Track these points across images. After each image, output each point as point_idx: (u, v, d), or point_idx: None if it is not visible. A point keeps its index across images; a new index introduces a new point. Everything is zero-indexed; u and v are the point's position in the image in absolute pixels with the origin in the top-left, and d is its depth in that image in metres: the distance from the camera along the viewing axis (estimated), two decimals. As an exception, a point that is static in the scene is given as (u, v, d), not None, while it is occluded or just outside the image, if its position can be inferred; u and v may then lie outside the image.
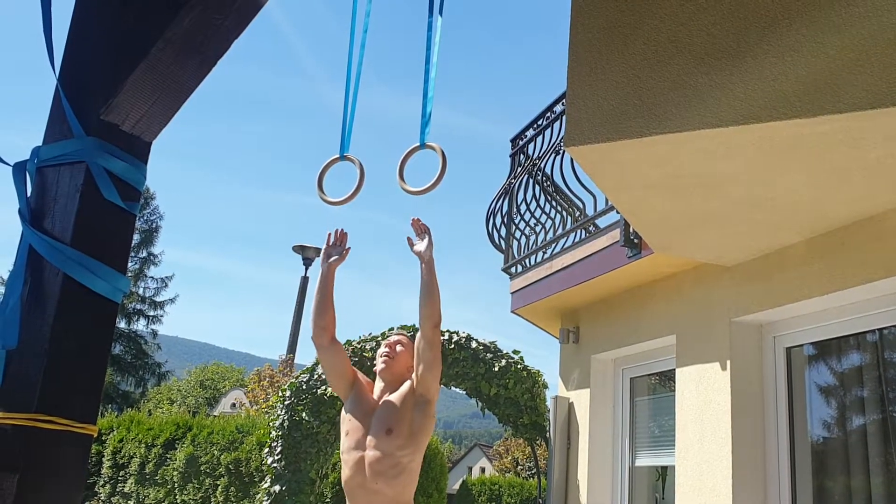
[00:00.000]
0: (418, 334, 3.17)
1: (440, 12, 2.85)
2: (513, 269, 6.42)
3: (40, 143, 2.03)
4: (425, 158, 3.14)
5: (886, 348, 3.84)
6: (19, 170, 2.00)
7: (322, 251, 3.33)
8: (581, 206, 5.55)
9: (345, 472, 3.17)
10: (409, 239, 3.21)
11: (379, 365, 3.27)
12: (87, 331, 1.86)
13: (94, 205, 1.89)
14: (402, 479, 3.08)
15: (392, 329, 3.43)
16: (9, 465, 1.73)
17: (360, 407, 3.22)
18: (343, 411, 3.30)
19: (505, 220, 6.59)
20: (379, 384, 3.30)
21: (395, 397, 3.20)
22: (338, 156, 3.02)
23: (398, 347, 3.31)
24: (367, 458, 3.09)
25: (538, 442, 7.63)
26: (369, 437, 3.13)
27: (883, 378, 3.83)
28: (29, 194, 1.98)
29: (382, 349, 3.31)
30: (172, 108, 1.99)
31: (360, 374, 3.38)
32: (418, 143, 2.92)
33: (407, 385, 3.22)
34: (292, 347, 18.39)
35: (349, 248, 3.34)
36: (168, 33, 1.83)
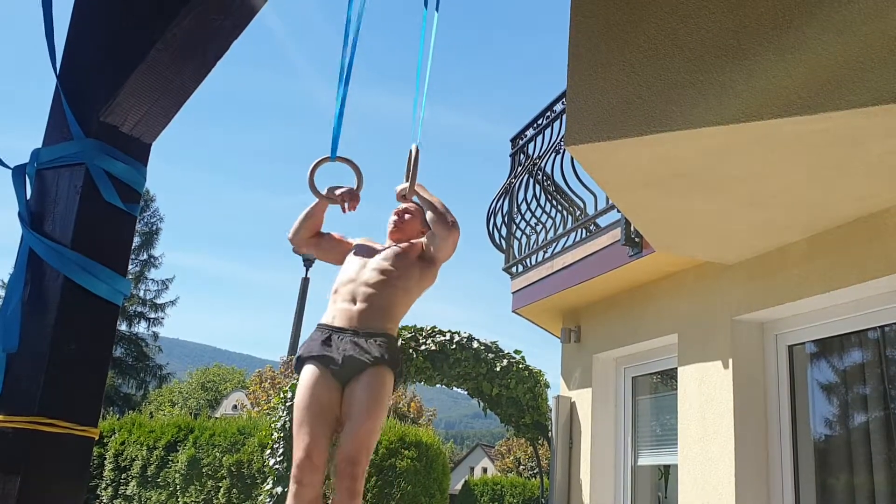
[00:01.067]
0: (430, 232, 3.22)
1: (436, 8, 2.86)
2: (514, 269, 6.42)
3: (40, 146, 2.03)
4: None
5: (888, 345, 3.84)
6: (19, 173, 1.99)
7: (329, 189, 3.25)
8: (582, 205, 5.55)
9: (330, 309, 3.12)
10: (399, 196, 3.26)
11: (389, 228, 3.32)
12: (88, 333, 1.85)
13: (94, 207, 1.89)
14: (397, 290, 3.09)
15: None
16: (11, 468, 1.72)
17: (363, 249, 3.26)
18: (344, 265, 3.28)
19: (505, 219, 6.59)
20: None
21: (401, 244, 3.25)
22: (328, 156, 3.05)
23: (406, 216, 3.32)
24: (361, 279, 3.10)
25: (540, 442, 7.62)
26: (372, 261, 3.15)
27: (885, 375, 3.83)
28: (29, 197, 1.98)
29: (392, 217, 3.32)
30: (172, 110, 1.99)
31: (365, 240, 3.40)
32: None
33: (416, 241, 3.27)
34: (293, 349, 18.39)
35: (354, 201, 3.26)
36: (167, 35, 1.83)
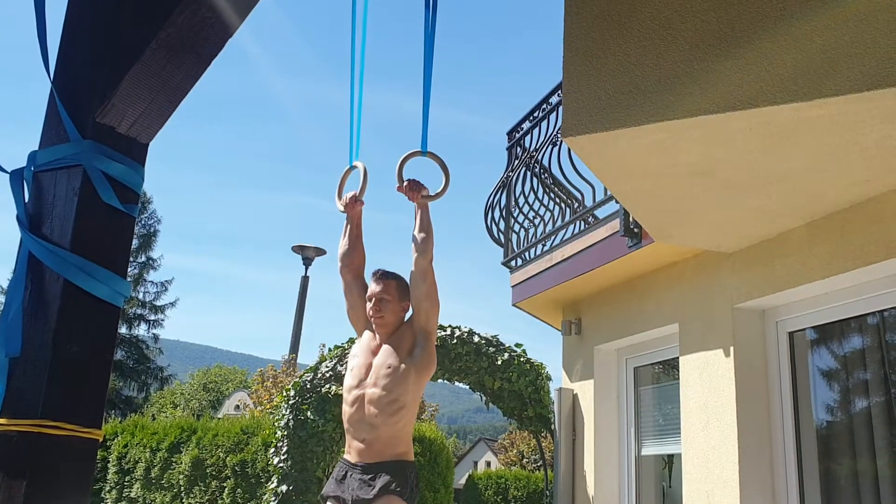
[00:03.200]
0: (411, 272, 3.25)
1: (434, 7, 2.86)
2: (513, 263, 6.42)
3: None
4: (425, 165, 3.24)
5: (888, 330, 3.84)
6: (16, 176, 1.99)
7: (341, 207, 3.43)
8: (580, 197, 5.55)
9: (345, 409, 3.25)
10: (401, 187, 3.27)
11: (373, 323, 3.33)
12: (89, 335, 1.85)
13: (93, 208, 1.88)
14: (401, 416, 3.15)
15: (375, 273, 3.37)
16: (17, 471, 1.72)
17: (366, 347, 3.32)
18: (353, 348, 3.41)
19: (503, 213, 6.59)
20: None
21: (395, 337, 3.27)
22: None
23: (384, 304, 3.30)
24: (368, 396, 3.17)
25: (543, 434, 7.64)
26: (371, 376, 3.21)
27: (885, 360, 3.84)
28: (27, 200, 1.97)
29: (369, 311, 3.31)
30: (168, 109, 1.99)
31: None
32: (420, 149, 3.04)
33: (406, 326, 3.30)
34: (295, 347, 18.40)
35: (362, 201, 3.41)
36: (162, 34, 1.83)
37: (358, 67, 3.10)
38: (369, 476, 3.10)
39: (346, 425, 3.26)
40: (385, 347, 3.26)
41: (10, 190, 1.99)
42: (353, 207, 3.40)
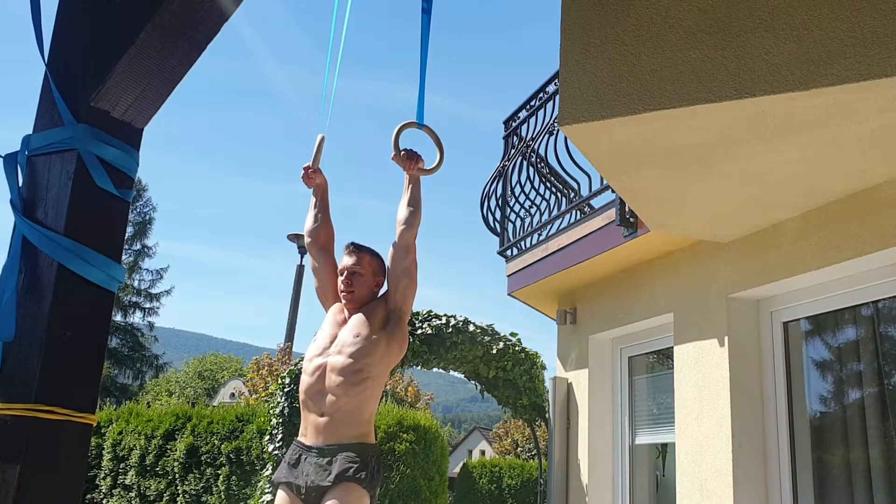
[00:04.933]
0: (393, 244, 3.09)
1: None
2: (508, 252, 6.42)
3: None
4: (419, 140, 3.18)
5: (882, 321, 3.86)
6: (10, 160, 1.98)
7: (304, 180, 3.29)
8: (576, 186, 5.55)
9: (304, 381, 3.02)
10: (397, 156, 3.13)
11: (342, 298, 3.15)
12: (83, 320, 1.85)
13: (87, 193, 1.88)
14: (365, 388, 2.92)
15: (348, 246, 3.20)
16: (10, 456, 1.73)
17: (332, 320, 3.14)
18: (314, 340, 3.19)
19: (499, 202, 6.58)
20: None
21: (366, 309, 3.09)
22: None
23: (356, 278, 3.11)
24: (331, 364, 2.96)
25: (538, 423, 7.67)
26: (335, 345, 3.01)
27: (879, 351, 3.85)
28: (20, 184, 1.96)
29: (340, 285, 3.13)
30: (163, 94, 1.98)
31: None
32: (416, 121, 2.98)
33: (379, 301, 3.13)
34: (290, 336, 18.41)
35: (318, 170, 3.28)
36: (156, 18, 1.82)
37: (337, 43, 3.03)
38: (326, 460, 2.86)
39: (302, 399, 3.01)
40: (355, 317, 3.07)
41: (4, 174, 1.98)
42: (311, 179, 3.24)
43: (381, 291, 3.21)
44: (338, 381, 2.92)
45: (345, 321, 3.11)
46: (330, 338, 3.07)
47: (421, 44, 2.96)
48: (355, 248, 3.18)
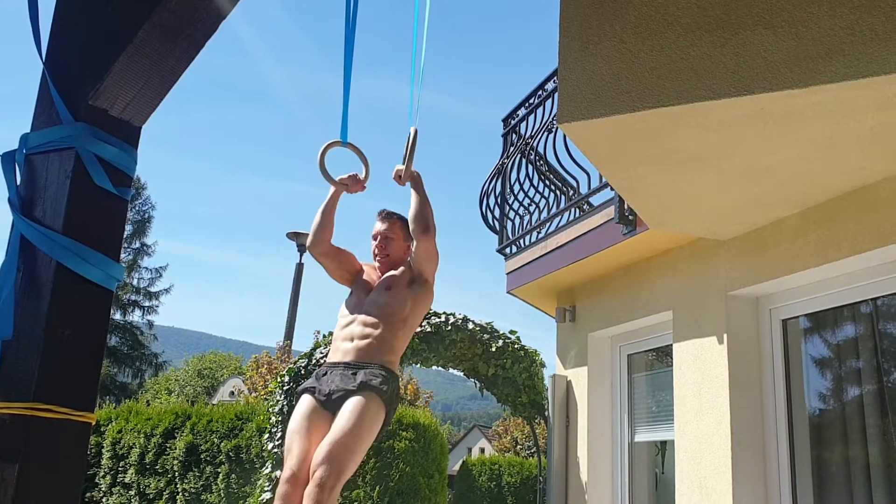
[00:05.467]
0: (414, 241, 3.25)
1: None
2: (507, 250, 6.42)
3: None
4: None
5: (881, 318, 3.86)
6: (8, 158, 1.98)
7: (338, 179, 3.34)
8: (575, 184, 5.54)
9: (337, 335, 3.18)
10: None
11: (375, 260, 3.37)
12: (82, 319, 1.85)
13: (85, 191, 1.87)
14: (393, 326, 3.11)
15: (381, 213, 3.40)
16: (9, 455, 1.72)
17: (361, 286, 3.32)
18: (342, 306, 3.33)
19: (498, 200, 6.58)
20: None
21: (392, 273, 3.31)
22: (339, 140, 3.09)
23: (387, 242, 3.35)
24: (361, 317, 3.15)
25: (537, 421, 7.66)
26: (365, 305, 3.19)
27: (878, 348, 3.85)
28: (19, 183, 1.96)
29: (375, 250, 3.36)
30: (161, 92, 1.97)
31: (367, 265, 3.45)
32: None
33: (406, 267, 3.32)
34: (289, 334, 18.42)
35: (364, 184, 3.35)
36: (154, 16, 1.81)
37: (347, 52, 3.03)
38: (352, 371, 3.01)
39: (333, 343, 3.18)
40: (383, 279, 3.29)
41: (2, 172, 1.97)
42: (353, 188, 3.30)
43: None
44: (370, 322, 3.12)
45: (373, 285, 3.30)
46: (359, 303, 3.24)
47: (414, 48, 2.97)
48: (387, 216, 3.41)
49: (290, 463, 2.85)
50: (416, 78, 3.02)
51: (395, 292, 3.20)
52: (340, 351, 3.12)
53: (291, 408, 7.18)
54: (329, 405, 2.97)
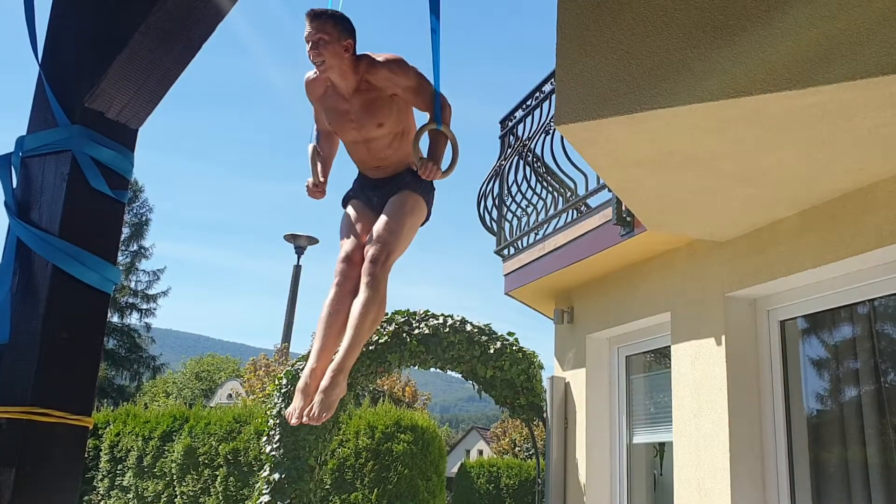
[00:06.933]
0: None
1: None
2: (505, 252, 6.42)
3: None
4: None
5: (878, 319, 3.86)
6: (4, 161, 1.97)
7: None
8: (572, 185, 5.54)
9: (348, 148, 3.12)
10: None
11: (318, 70, 2.94)
12: (79, 322, 1.84)
13: (82, 194, 1.87)
14: (400, 148, 3.04)
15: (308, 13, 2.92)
16: (6, 459, 1.71)
17: (333, 113, 3.04)
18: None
19: (496, 202, 6.58)
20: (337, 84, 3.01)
21: (367, 97, 2.96)
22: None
23: (321, 46, 2.83)
24: (366, 148, 3.05)
25: (535, 423, 7.66)
26: (359, 134, 3.02)
27: (875, 349, 3.85)
28: (15, 186, 1.95)
29: (309, 57, 2.88)
30: (158, 95, 1.97)
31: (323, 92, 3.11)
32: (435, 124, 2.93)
33: (374, 80, 2.95)
34: (287, 336, 18.41)
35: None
36: (151, 18, 1.81)
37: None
38: (387, 179, 3.08)
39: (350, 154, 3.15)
40: (357, 110, 2.97)
41: (-2, 175, 1.97)
42: (320, 191, 3.19)
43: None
44: (374, 152, 3.06)
45: (346, 99, 3.00)
46: (353, 122, 3.01)
47: (433, 62, 2.88)
48: (316, 15, 2.88)
49: (345, 248, 3.03)
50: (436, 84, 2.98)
51: (381, 115, 2.95)
52: (371, 171, 3.14)
53: (289, 410, 7.17)
54: (377, 206, 3.09)
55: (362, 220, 3.10)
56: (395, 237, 2.95)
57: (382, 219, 2.99)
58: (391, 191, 3.06)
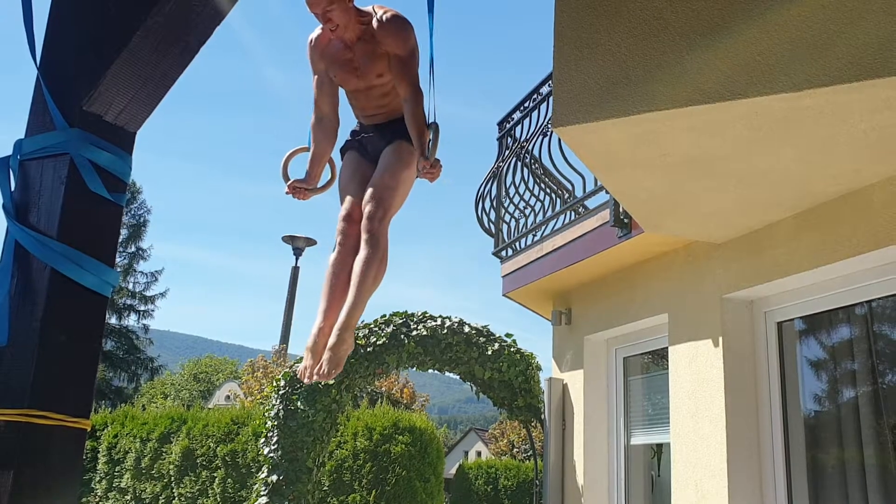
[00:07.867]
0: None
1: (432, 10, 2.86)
2: (503, 253, 6.43)
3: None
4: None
5: (875, 320, 3.87)
6: (2, 165, 1.98)
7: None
8: (570, 187, 5.55)
9: (349, 100, 3.13)
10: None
11: (332, 36, 2.97)
12: (77, 325, 1.84)
13: (80, 197, 1.87)
14: (396, 99, 3.04)
15: None
16: (4, 461, 1.72)
17: (339, 65, 3.03)
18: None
19: (494, 203, 6.59)
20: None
21: (363, 51, 2.97)
22: (305, 145, 3.11)
23: (332, 13, 2.84)
24: (364, 98, 3.07)
25: (533, 424, 7.67)
26: (360, 83, 3.02)
27: (872, 350, 3.86)
28: (13, 189, 1.96)
29: (327, 29, 2.92)
30: (156, 98, 1.97)
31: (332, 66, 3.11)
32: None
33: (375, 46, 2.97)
34: (285, 338, 18.40)
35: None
36: (149, 22, 1.81)
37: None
38: (386, 129, 3.09)
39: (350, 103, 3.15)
40: (361, 65, 2.98)
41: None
42: (304, 192, 3.16)
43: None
44: (372, 100, 3.07)
45: (350, 58, 3.00)
46: (346, 65, 3.00)
47: (430, 46, 2.93)
48: None
49: (345, 206, 3.05)
50: (432, 85, 3.00)
51: (376, 69, 2.96)
52: (366, 120, 3.17)
53: (287, 412, 7.19)
54: (372, 157, 3.13)
55: (359, 173, 3.12)
56: (392, 192, 2.98)
57: (378, 173, 3.02)
58: (384, 138, 3.09)
